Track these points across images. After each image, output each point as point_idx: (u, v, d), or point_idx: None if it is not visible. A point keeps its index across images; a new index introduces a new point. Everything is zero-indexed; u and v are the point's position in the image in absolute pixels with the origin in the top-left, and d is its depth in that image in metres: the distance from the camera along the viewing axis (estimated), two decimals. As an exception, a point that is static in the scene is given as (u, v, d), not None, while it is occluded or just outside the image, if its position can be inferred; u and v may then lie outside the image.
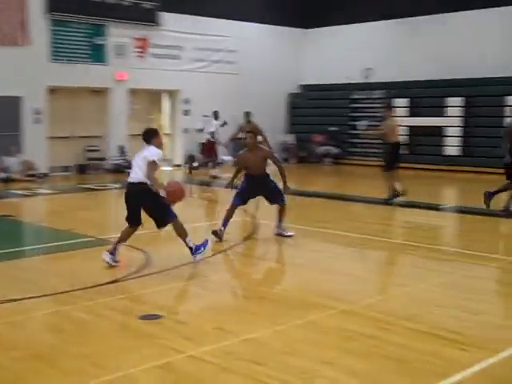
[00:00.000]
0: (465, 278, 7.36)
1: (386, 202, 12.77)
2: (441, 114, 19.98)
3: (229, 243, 8.90)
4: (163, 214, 7.51)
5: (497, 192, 11.76)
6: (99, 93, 19.76)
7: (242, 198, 9.36)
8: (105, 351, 4.96)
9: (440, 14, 20.71)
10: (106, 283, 6.76)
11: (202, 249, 7.69)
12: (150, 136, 7.59)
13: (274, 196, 9.39)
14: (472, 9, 19.96)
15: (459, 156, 19.75)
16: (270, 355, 4.87)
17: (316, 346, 5.08)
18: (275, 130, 23.48)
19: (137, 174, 7.40)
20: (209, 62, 22.02)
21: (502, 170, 17.37)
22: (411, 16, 21.46)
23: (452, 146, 19.92)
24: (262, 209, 12.98)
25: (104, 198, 15.28)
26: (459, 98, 19.86)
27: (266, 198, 9.55)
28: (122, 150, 19.67)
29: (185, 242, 7.65)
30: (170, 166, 21.38)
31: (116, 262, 7.50)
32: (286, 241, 9.31)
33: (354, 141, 22.17)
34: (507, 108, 18.80)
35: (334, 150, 22.58)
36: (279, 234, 9.41)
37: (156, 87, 20.95)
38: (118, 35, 19.44)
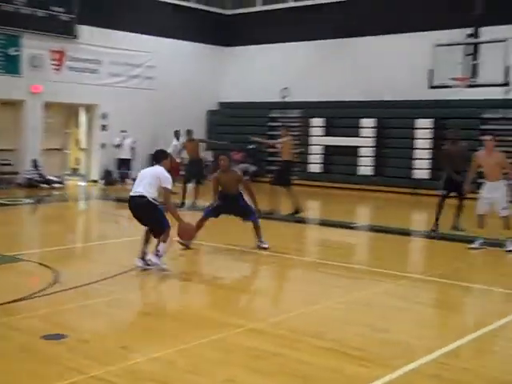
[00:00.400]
0: (372, 295, 7.56)
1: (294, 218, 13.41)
2: (355, 135, 20.50)
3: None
4: (160, 226, 8.10)
5: (458, 217, 12.09)
6: (13, 105, 19.22)
7: (213, 212, 9.94)
8: (2, 375, 4.79)
9: (355, 38, 21.36)
10: (10, 302, 6.55)
11: (159, 260, 8.06)
12: (161, 157, 8.37)
13: (246, 214, 9.87)
14: (385, 34, 20.68)
15: (372, 175, 20.31)
16: (175, 374, 4.85)
17: (222, 364, 5.09)
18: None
19: (140, 188, 8.11)
20: (127, 77, 21.81)
21: (410, 190, 18.08)
22: (329, 38, 22.02)
23: (365, 166, 20.46)
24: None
25: (14, 214, 14.79)
26: (372, 120, 20.49)
27: (240, 216, 10.02)
28: (35, 164, 19.17)
29: (158, 244, 8.09)
30: (85, 182, 21.02)
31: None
32: (197, 259, 9.34)
33: (271, 159, 22.41)
34: (417, 130, 19.64)
35: (252, 168, 22.76)
36: (259, 247, 9.84)
37: (73, 101, 20.56)
38: (34, 47, 18.95)
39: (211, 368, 5.00)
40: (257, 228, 9.92)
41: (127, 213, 8.47)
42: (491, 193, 10.41)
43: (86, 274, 7.81)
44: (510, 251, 10.25)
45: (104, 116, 21.23)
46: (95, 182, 20.95)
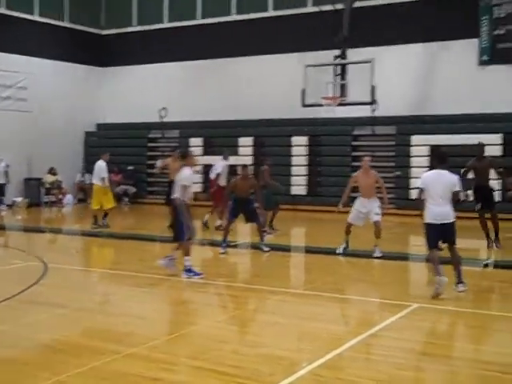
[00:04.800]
0: (250, 312, 7.70)
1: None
2: (234, 153, 20.74)
3: (15, 290, 8.48)
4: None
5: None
6: None
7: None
8: None
9: (231, 58, 21.76)
10: None
11: (192, 274, 9.31)
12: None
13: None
14: (260, 55, 21.21)
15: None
16: (49, 407, 4.72)
17: (98, 393, 5.01)
18: (72, 170, 22.96)
19: None
20: (-2, 99, 21.03)
21: (289, 206, 18.36)
22: (204, 59, 22.27)
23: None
24: (52, 252, 12.60)
25: None
26: (250, 138, 20.88)
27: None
28: None
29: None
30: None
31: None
32: (74, 285, 9.13)
33: (151, 180, 22.30)
34: (293, 147, 20.25)
35: (132, 190, 22.52)
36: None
37: None
38: None
39: (86, 398, 4.91)
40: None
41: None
42: (365, 207, 11.20)
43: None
44: (378, 257, 11.01)
45: (-26, 139, 20.30)
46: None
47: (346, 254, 11.43)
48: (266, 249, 11.98)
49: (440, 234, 8.43)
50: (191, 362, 5.69)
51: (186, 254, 9.54)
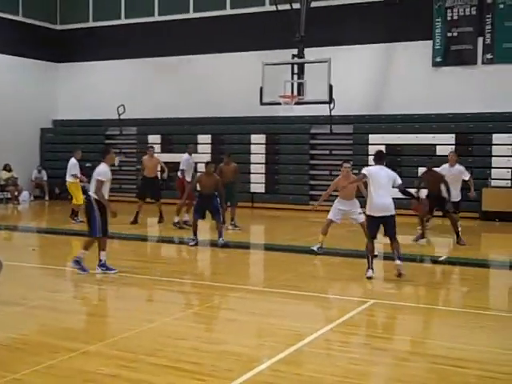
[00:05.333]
0: (209, 309, 7.72)
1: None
2: (193, 151, 20.69)
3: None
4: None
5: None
6: None
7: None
8: None
9: (189, 56, 21.73)
10: None
11: (78, 267, 9.34)
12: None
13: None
14: (218, 53, 21.25)
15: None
16: (6, 406, 4.68)
17: (55, 391, 4.98)
18: (28, 166, 22.61)
19: None
20: (-50, 95, 20.57)
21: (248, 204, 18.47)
22: (163, 56, 22.18)
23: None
24: (8, 250, 12.41)
25: None
26: (208, 136, 20.89)
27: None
28: None
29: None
30: None
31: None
32: (30, 282, 9.04)
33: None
34: (252, 145, 20.34)
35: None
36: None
37: None
38: None
39: (44, 396, 4.87)
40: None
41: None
42: (345, 205, 11.33)
43: None
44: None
45: None
46: None
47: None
48: (222, 241, 12.23)
49: (379, 226, 9.31)
50: (149, 359, 5.68)
51: (85, 247, 9.56)
